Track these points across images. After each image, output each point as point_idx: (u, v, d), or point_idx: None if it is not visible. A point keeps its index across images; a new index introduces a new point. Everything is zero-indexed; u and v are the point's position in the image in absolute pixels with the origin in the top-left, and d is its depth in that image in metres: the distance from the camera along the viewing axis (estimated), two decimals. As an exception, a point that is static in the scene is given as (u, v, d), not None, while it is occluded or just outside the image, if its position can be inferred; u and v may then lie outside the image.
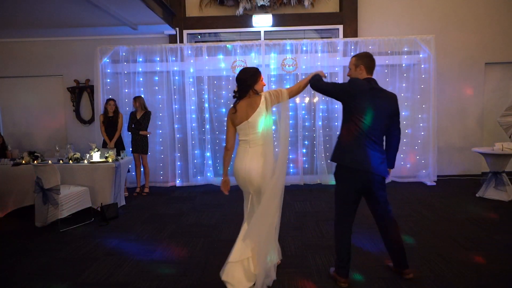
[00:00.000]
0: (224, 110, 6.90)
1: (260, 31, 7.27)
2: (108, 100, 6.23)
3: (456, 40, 7.08)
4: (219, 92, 6.92)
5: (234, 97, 3.03)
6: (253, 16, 7.03)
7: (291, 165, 6.91)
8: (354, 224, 4.73)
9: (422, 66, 6.70)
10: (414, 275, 3.09)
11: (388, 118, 2.91)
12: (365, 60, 2.95)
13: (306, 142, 6.89)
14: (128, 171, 6.18)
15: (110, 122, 6.22)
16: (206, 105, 6.83)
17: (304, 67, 6.66)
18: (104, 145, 6.17)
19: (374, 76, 3.03)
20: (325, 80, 3.07)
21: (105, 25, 6.49)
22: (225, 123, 6.86)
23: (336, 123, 6.79)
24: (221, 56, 6.78)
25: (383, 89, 2.96)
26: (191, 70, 6.84)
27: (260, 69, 6.55)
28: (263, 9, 7.10)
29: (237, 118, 2.93)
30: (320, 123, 6.74)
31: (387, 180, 3.02)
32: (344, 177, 2.97)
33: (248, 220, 2.95)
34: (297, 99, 6.72)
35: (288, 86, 3.19)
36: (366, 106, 2.83)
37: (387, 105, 2.91)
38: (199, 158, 6.97)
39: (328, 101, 6.78)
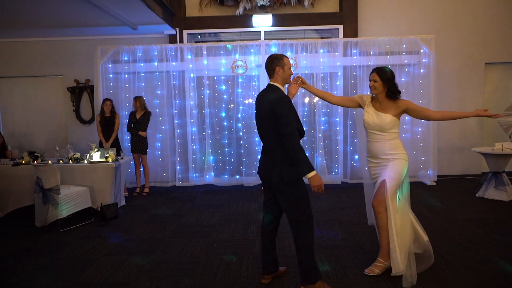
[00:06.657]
0: (224, 110, 6.90)
1: (260, 31, 7.27)
2: (105, 100, 6.23)
3: (456, 40, 7.07)
4: (219, 92, 6.92)
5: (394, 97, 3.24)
6: (253, 16, 7.02)
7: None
8: (353, 224, 4.68)
9: (422, 66, 6.70)
10: (270, 282, 3.13)
11: (268, 121, 2.79)
12: None
13: (305, 138, 6.85)
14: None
15: (107, 123, 6.21)
16: (206, 104, 6.83)
17: (304, 66, 6.67)
18: (101, 146, 6.16)
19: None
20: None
21: (105, 25, 6.49)
22: (224, 123, 6.94)
23: (337, 119, 6.79)
24: (221, 56, 6.78)
25: (269, 92, 2.88)
26: (191, 70, 6.84)
27: (260, 69, 6.67)
28: (263, 9, 7.10)
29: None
30: (323, 118, 6.75)
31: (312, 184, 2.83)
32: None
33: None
34: (298, 97, 6.70)
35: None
36: (256, 115, 2.99)
37: (264, 108, 2.84)
38: (199, 158, 6.97)
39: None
